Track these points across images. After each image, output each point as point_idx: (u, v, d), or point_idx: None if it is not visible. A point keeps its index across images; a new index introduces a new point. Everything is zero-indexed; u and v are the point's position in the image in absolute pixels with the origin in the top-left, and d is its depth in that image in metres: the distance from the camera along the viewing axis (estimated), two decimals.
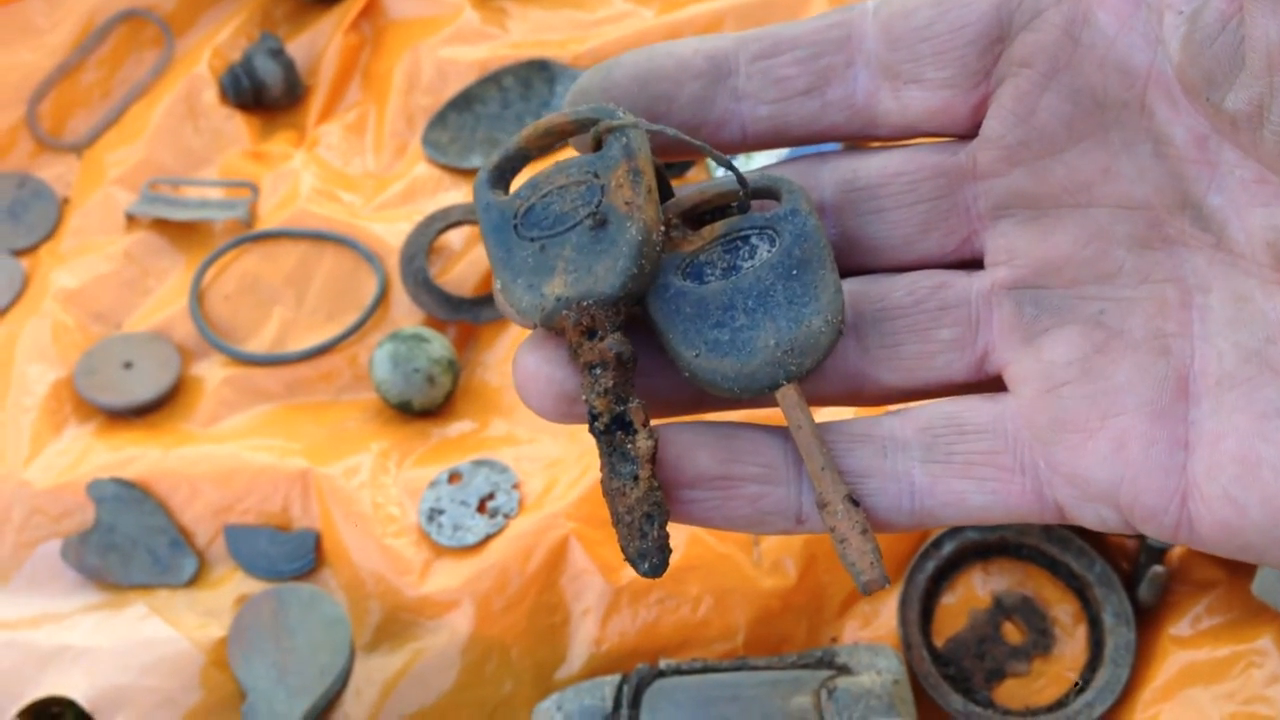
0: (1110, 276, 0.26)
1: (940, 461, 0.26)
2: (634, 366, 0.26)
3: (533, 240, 0.27)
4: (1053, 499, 0.26)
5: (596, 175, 0.27)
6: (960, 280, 0.27)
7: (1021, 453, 0.26)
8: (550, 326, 0.26)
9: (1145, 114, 0.25)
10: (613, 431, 0.26)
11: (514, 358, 0.27)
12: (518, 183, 0.28)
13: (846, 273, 0.28)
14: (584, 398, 0.26)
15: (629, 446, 0.26)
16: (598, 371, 0.26)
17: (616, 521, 0.26)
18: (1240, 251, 0.25)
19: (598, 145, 0.27)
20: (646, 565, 0.26)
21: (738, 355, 0.26)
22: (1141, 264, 0.26)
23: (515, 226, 0.27)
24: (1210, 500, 0.24)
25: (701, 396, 0.28)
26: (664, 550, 0.26)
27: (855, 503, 0.26)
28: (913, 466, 0.26)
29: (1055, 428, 0.26)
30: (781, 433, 0.27)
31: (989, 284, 0.27)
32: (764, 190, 0.28)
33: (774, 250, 0.27)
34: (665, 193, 0.29)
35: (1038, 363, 0.26)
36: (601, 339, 0.25)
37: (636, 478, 0.25)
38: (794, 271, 0.27)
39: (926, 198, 0.27)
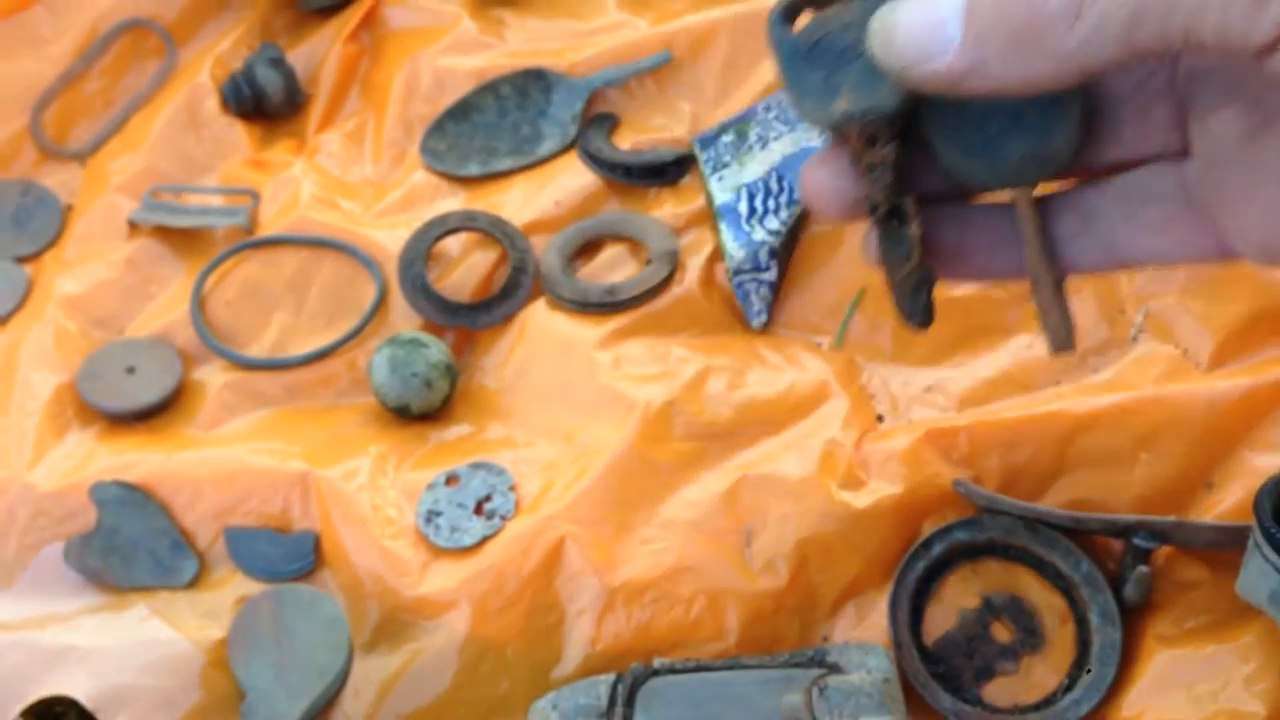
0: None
1: (1135, 223, 0.33)
2: (906, 168, 0.33)
3: (821, 68, 0.33)
4: (1229, 247, 0.33)
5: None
6: (1164, 66, 0.32)
7: (1200, 212, 0.33)
8: (838, 130, 0.33)
9: None
10: (889, 220, 0.34)
11: (801, 172, 0.34)
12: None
13: None
14: (866, 194, 0.33)
15: (904, 231, 0.34)
16: (878, 171, 0.33)
17: (893, 289, 0.35)
18: None
19: None
20: (915, 322, 0.35)
21: (990, 159, 0.33)
22: None
23: (805, 56, 0.34)
24: None
25: (958, 188, 0.35)
26: (929, 311, 0.35)
27: (1060, 284, 0.34)
28: (1115, 227, 0.33)
29: (1216, 199, 0.32)
30: (1008, 210, 0.34)
31: (1184, 70, 0.32)
32: None
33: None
34: None
35: (1207, 136, 0.32)
36: (882, 145, 0.33)
37: (909, 256, 0.34)
38: (1047, 104, 0.33)
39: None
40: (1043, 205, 0.34)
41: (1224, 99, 0.32)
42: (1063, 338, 0.34)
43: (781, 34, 0.35)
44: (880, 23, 0.31)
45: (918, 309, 0.35)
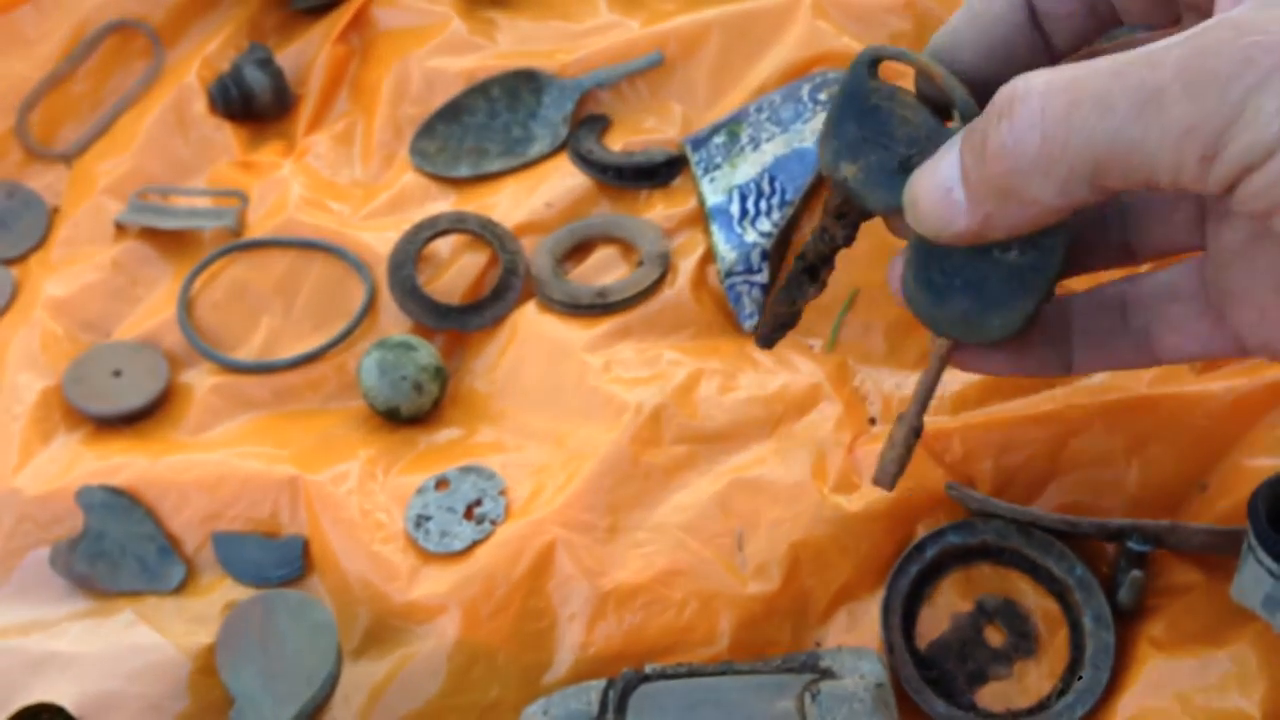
0: None
1: (1164, 322, 0.37)
2: (843, 249, 0.38)
3: (862, 128, 0.36)
4: (1242, 343, 0.36)
5: (929, 137, 0.36)
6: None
7: (1217, 310, 0.36)
8: (826, 176, 0.36)
9: None
10: (804, 273, 0.38)
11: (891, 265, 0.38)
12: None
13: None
14: (803, 241, 0.36)
15: (807, 288, 0.38)
16: (825, 238, 0.37)
17: (767, 312, 0.39)
18: None
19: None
20: (760, 344, 0.41)
21: (934, 299, 0.36)
22: None
23: (860, 109, 0.36)
24: None
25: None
26: (773, 344, 0.40)
27: (917, 433, 0.38)
28: (1149, 324, 0.37)
29: (1225, 298, 0.36)
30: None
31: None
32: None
33: (1017, 255, 0.35)
34: None
35: (1217, 239, 0.35)
36: (844, 226, 0.36)
37: (794, 304, 0.39)
38: (1017, 278, 0.35)
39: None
40: (1085, 300, 0.39)
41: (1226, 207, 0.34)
42: (888, 476, 0.40)
43: (858, 77, 0.36)
44: (909, 194, 0.34)
45: (769, 340, 0.41)
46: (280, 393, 0.85)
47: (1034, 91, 0.30)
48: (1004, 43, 0.36)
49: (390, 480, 0.78)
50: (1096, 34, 0.38)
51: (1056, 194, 0.31)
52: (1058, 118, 0.30)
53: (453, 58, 0.99)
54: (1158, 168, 0.29)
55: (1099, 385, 0.76)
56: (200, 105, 0.99)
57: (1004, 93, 0.31)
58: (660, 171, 0.92)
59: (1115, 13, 0.37)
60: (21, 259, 0.94)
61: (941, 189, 0.33)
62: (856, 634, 0.71)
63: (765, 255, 0.83)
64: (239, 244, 0.90)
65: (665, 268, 0.86)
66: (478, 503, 0.76)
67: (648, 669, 0.68)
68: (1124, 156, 0.29)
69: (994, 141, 0.31)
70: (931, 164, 0.34)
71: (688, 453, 0.76)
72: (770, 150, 0.88)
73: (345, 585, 0.75)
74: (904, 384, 0.80)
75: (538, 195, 0.91)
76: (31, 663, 0.72)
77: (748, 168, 0.88)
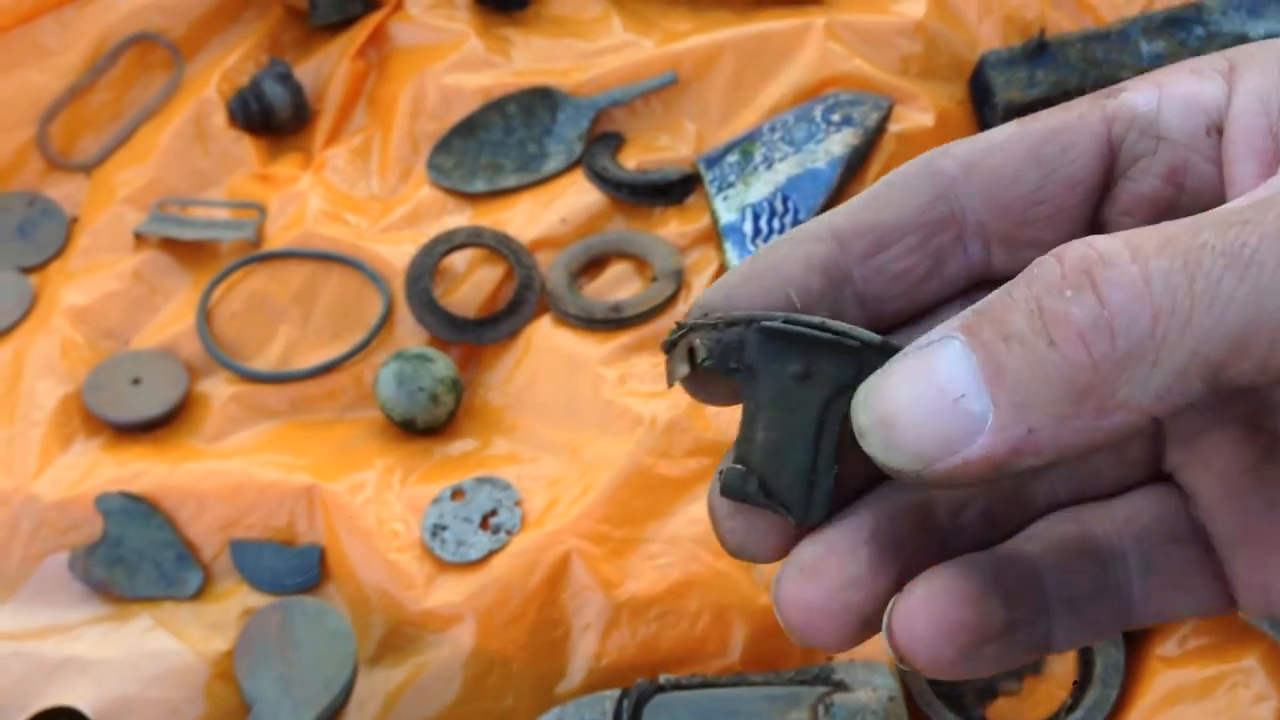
0: None
1: (1158, 573, 0.25)
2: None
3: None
4: (1234, 599, 0.25)
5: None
6: None
7: (1214, 558, 0.25)
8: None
9: None
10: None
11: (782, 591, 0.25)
12: None
13: None
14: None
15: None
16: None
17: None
18: None
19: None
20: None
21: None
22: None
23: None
24: None
25: None
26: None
27: None
28: (1132, 580, 0.25)
29: (1238, 540, 0.25)
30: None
31: None
32: None
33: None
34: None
35: (1208, 471, 0.25)
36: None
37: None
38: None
39: None
40: (1056, 549, 0.26)
41: (1216, 420, 0.25)
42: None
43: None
44: (870, 415, 0.23)
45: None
46: (298, 402, 0.86)
47: (1121, 253, 0.21)
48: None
49: (406, 490, 0.79)
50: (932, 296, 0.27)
51: (1158, 395, 0.21)
52: (1175, 283, 0.21)
53: (469, 74, 1.01)
54: None
55: None
56: (220, 118, 1.00)
57: (1063, 259, 0.22)
58: (674, 189, 0.93)
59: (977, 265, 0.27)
60: (41, 268, 0.95)
61: (945, 393, 0.22)
62: (869, 647, 0.72)
63: None
64: (258, 255, 0.91)
65: (679, 284, 0.87)
66: (493, 513, 0.77)
67: (662, 679, 0.68)
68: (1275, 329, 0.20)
69: (1070, 320, 0.21)
70: (915, 363, 0.22)
71: (701, 465, 0.77)
72: (783, 169, 0.90)
73: (361, 593, 0.75)
74: None
75: (553, 211, 0.92)
76: (49, 667, 0.73)
77: (761, 186, 0.90)
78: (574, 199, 0.93)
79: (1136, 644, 0.71)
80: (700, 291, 0.29)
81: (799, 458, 0.25)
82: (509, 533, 0.76)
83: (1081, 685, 0.71)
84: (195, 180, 0.98)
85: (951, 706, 0.71)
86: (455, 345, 0.88)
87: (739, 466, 0.25)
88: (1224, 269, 0.21)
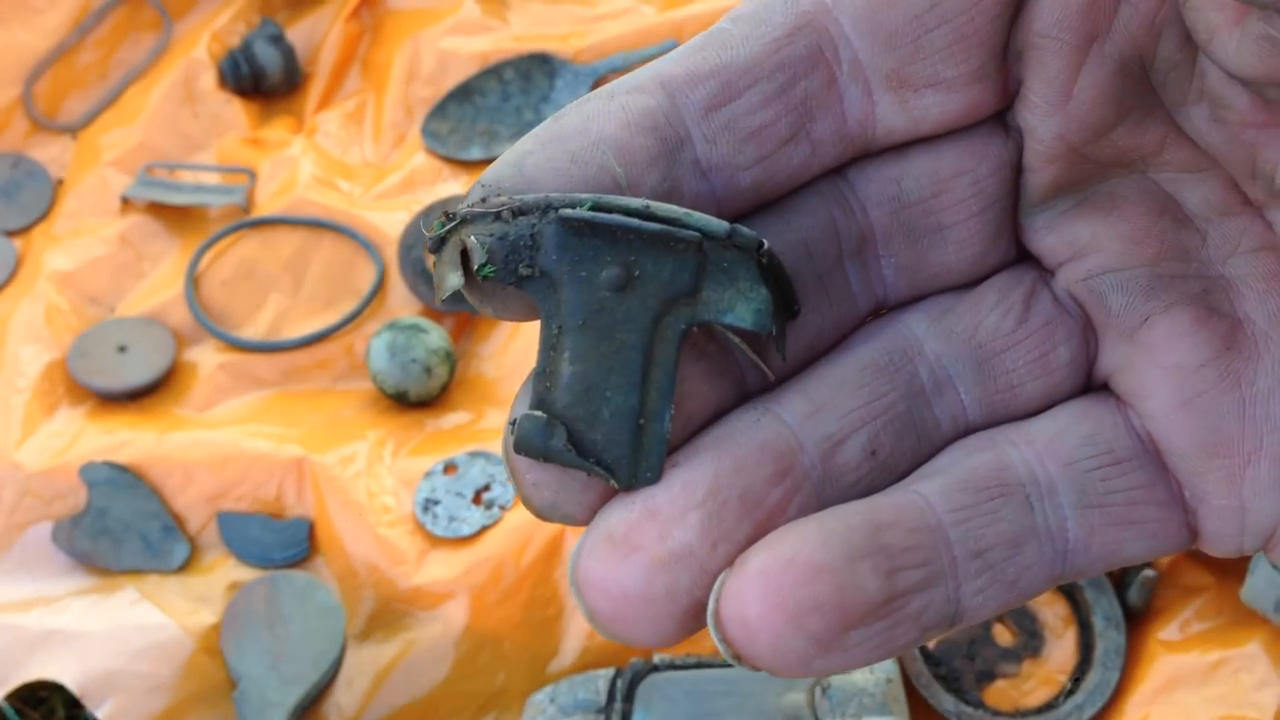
0: (1193, 250, 0.21)
1: (1097, 506, 0.20)
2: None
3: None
4: (1196, 530, 0.21)
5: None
6: (1040, 284, 0.21)
7: (1169, 480, 0.20)
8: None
9: (1197, 75, 0.20)
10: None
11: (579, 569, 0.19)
12: None
13: (905, 305, 0.21)
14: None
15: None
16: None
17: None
18: None
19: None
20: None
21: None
22: (1228, 231, 0.20)
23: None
24: None
25: None
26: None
27: None
28: (1064, 519, 0.20)
29: (1203, 452, 0.20)
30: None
31: (1065, 283, 0.21)
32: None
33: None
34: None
35: (1156, 368, 0.20)
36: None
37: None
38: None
39: (994, 200, 0.21)
40: (962, 489, 0.20)
41: (1155, 300, 0.21)
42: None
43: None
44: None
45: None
46: (288, 372, 0.85)
47: None
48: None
49: (398, 463, 0.78)
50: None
51: None
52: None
53: (466, 38, 0.98)
54: None
55: None
56: (209, 80, 0.98)
57: None
58: None
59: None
60: (25, 230, 0.93)
61: None
62: None
63: None
64: (248, 221, 0.90)
65: None
66: (486, 488, 0.76)
67: (656, 659, 0.67)
68: None
69: None
70: None
71: None
72: None
73: (351, 568, 0.74)
74: None
75: None
76: (32, 639, 0.71)
77: None
78: None
79: (1138, 628, 0.70)
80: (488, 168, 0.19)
81: (620, 398, 0.18)
82: (502, 508, 0.75)
83: (1081, 669, 0.70)
84: (184, 143, 0.96)
85: (949, 689, 0.70)
86: (449, 316, 0.86)
87: (538, 414, 0.18)
88: None
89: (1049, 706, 0.69)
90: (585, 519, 0.19)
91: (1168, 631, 0.69)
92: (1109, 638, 0.69)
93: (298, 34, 1.02)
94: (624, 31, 0.96)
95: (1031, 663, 0.71)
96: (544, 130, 0.19)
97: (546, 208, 0.18)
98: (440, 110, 0.96)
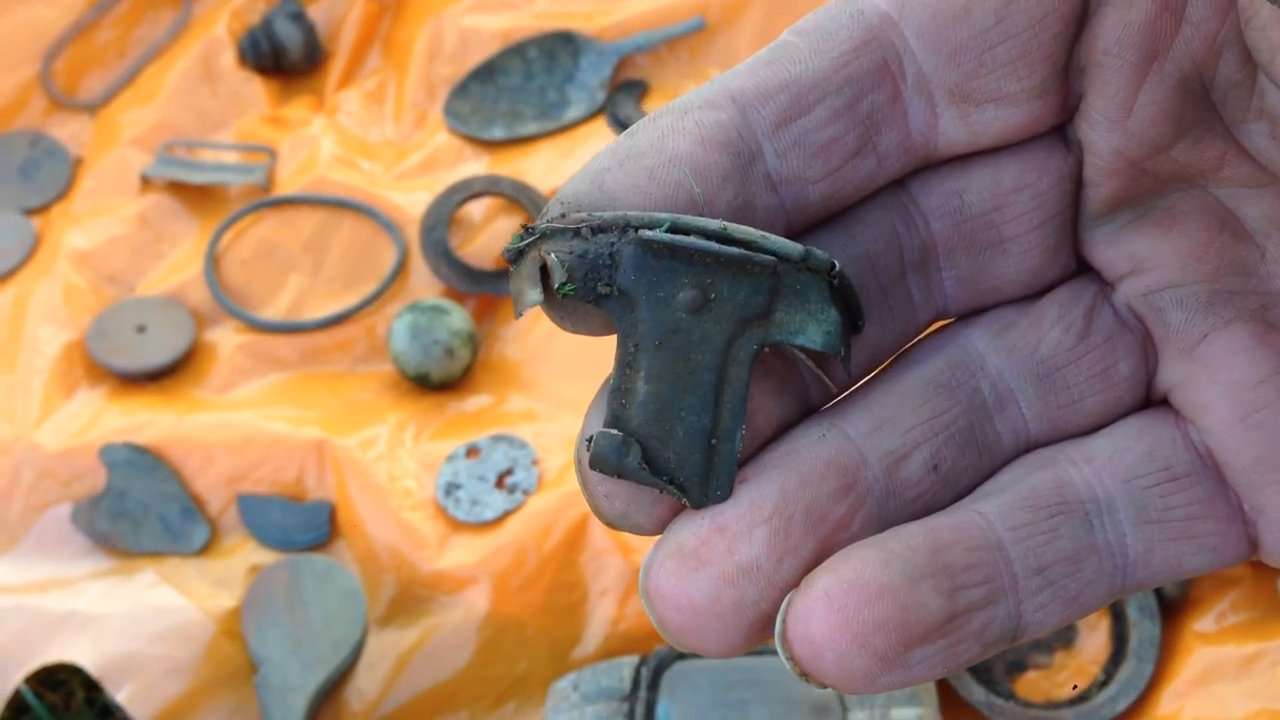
0: (1252, 266, 0.21)
1: (1156, 522, 0.20)
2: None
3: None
4: (1256, 542, 0.21)
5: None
6: (1100, 299, 0.21)
7: (1228, 493, 0.21)
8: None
9: (1257, 93, 0.20)
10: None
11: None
12: None
13: (965, 316, 0.22)
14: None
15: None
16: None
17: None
18: None
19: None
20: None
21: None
22: None
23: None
24: None
25: None
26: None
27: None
28: (1124, 535, 0.20)
29: (1263, 466, 0.20)
30: None
31: (1124, 297, 0.21)
32: None
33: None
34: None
35: (1216, 384, 0.21)
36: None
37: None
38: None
39: (1055, 213, 0.21)
40: (1022, 509, 0.21)
41: (1214, 318, 0.21)
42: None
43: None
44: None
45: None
46: (308, 354, 0.84)
47: None
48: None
49: (419, 447, 0.77)
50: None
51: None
52: None
53: (488, 16, 0.97)
54: None
55: None
56: (229, 57, 0.97)
57: None
58: None
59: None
60: (44, 209, 0.93)
61: None
62: None
63: None
64: (268, 200, 0.89)
65: None
66: (509, 472, 0.75)
67: None
68: None
69: None
70: None
71: None
72: None
73: (372, 552, 0.73)
74: None
75: (573, 160, 0.89)
76: (50, 621, 0.71)
77: None
78: (595, 148, 0.90)
79: (1173, 619, 0.69)
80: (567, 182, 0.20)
81: (694, 417, 0.19)
82: (525, 493, 0.73)
83: (1115, 660, 0.68)
84: (203, 122, 0.95)
85: (979, 680, 0.68)
86: (471, 297, 0.85)
87: (614, 432, 0.18)
88: None
89: (1081, 698, 0.68)
90: (655, 530, 0.19)
91: (1203, 623, 0.68)
92: (1143, 629, 0.68)
93: (319, 11, 1.01)
94: (649, 9, 0.95)
95: (1064, 654, 0.70)
96: (619, 146, 0.19)
97: (625, 226, 0.18)
98: (462, 89, 0.95)
